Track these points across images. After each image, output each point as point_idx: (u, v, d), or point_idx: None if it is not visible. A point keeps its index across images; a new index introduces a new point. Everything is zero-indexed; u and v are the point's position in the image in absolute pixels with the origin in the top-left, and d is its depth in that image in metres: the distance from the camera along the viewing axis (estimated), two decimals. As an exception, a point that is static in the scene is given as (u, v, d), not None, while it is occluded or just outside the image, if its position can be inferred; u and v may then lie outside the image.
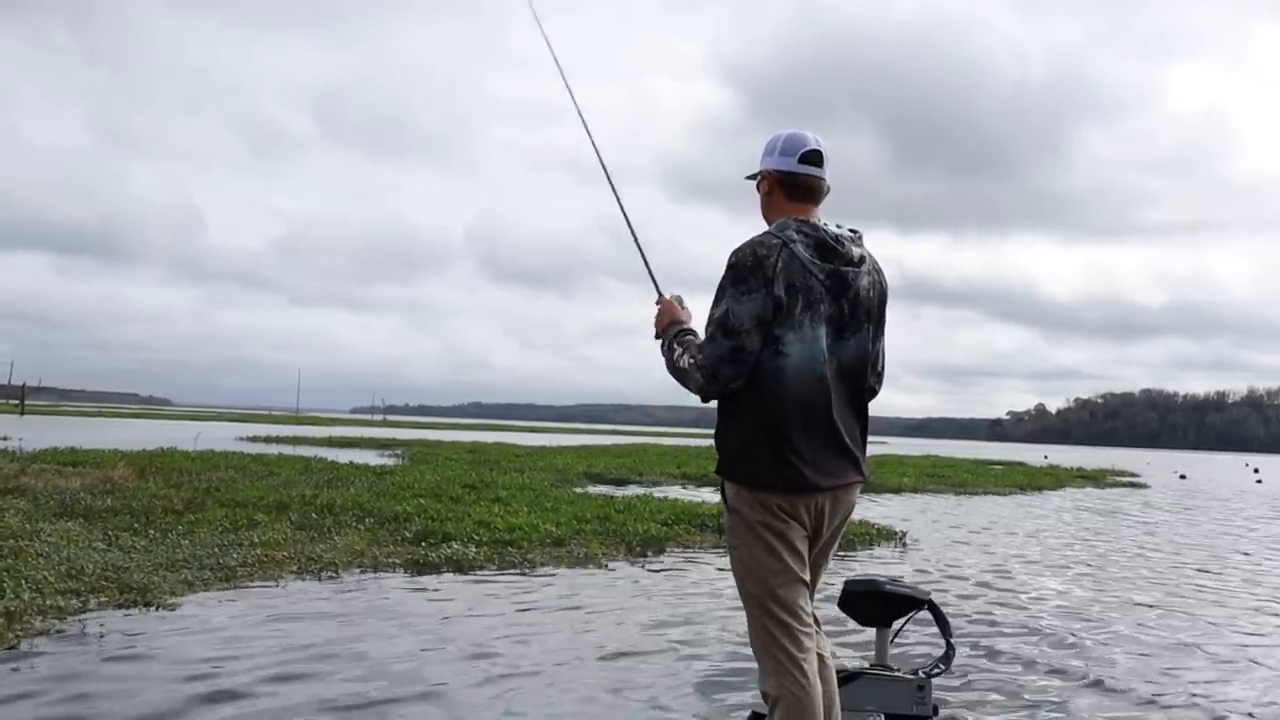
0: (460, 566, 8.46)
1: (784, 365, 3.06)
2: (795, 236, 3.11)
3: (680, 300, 3.41)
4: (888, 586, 4.29)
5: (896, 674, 4.08)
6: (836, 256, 3.14)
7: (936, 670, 4.22)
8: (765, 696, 3.15)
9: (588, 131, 3.89)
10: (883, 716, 3.93)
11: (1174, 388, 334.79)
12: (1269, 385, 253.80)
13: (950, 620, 4.62)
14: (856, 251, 3.20)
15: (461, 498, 12.90)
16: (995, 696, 5.19)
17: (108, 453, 20.13)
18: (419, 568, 8.37)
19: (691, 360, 3.11)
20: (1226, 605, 8.36)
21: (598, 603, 7.30)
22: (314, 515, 10.57)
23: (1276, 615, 7.94)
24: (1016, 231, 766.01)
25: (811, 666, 3.11)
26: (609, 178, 3.79)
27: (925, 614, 4.45)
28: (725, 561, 9.68)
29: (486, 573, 8.35)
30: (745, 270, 3.05)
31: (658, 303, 3.41)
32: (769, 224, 3.25)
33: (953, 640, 4.45)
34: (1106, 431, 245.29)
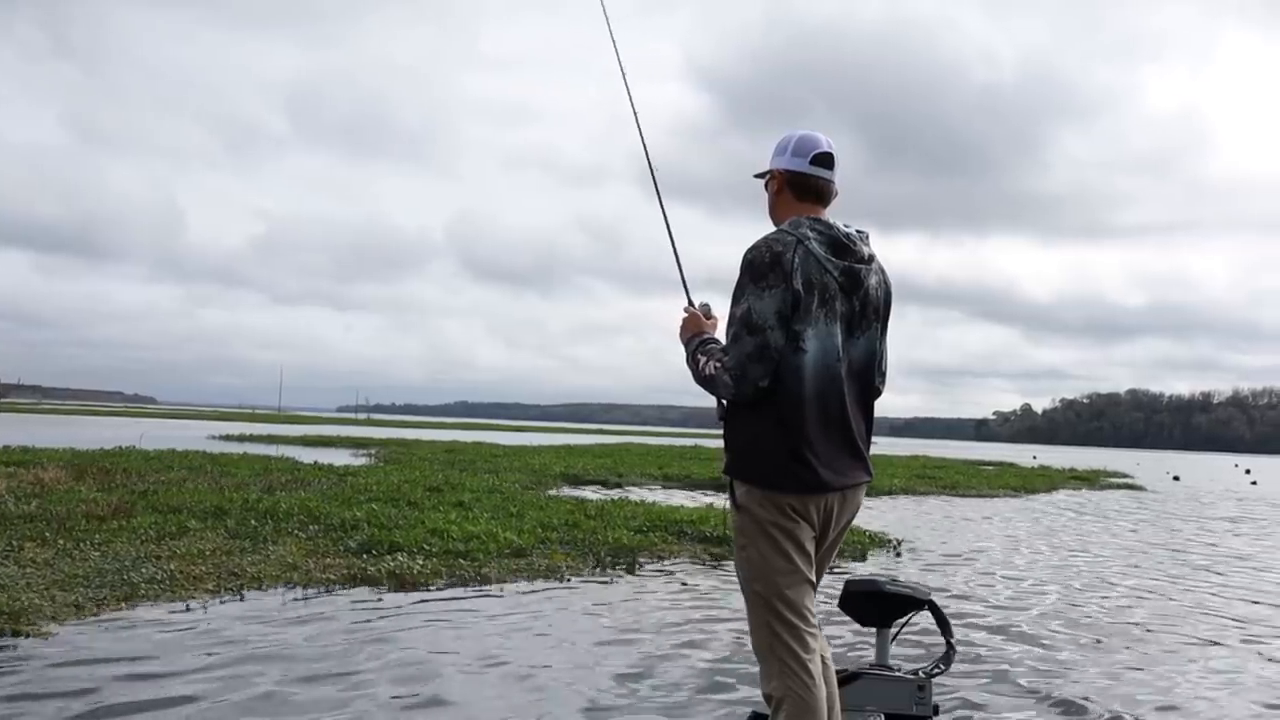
0: (403, 581, 7.53)
1: (804, 361, 3.04)
2: (809, 234, 3.10)
3: (707, 308, 3.37)
4: (888, 586, 4.22)
5: (897, 674, 4.03)
6: (849, 254, 3.14)
7: (937, 670, 4.16)
8: (768, 699, 3.09)
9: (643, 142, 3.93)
10: (883, 716, 3.89)
11: (1157, 388, 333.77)
12: (1253, 386, 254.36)
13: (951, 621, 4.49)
14: (866, 250, 3.20)
15: (420, 502, 11.95)
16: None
17: (61, 452, 19.22)
18: (356, 583, 7.43)
19: (718, 364, 3.07)
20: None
21: (555, 619, 6.41)
22: (253, 522, 9.64)
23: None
24: (994, 232, 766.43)
25: (817, 668, 3.08)
26: (656, 186, 3.81)
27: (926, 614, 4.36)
28: (702, 573, 8.89)
29: (432, 589, 7.43)
30: (764, 266, 3.03)
31: (685, 310, 3.38)
32: (776, 223, 3.24)
33: (953, 641, 4.36)
34: (1093, 431, 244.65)
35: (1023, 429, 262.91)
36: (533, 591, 7.60)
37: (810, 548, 3.11)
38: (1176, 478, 40.79)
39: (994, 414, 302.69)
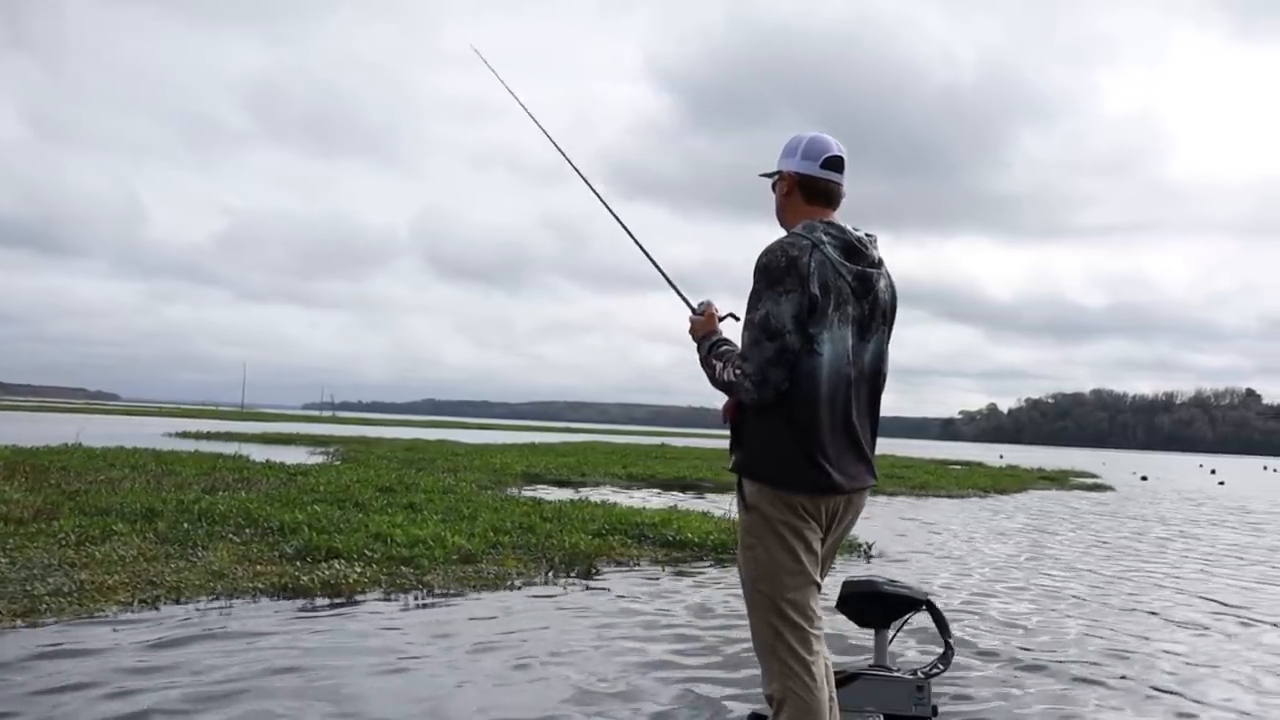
0: (338, 590, 6.98)
1: (818, 365, 3.06)
2: (823, 238, 3.10)
3: (709, 304, 3.36)
4: (886, 587, 4.21)
5: (895, 674, 4.00)
6: (862, 258, 3.16)
7: (935, 670, 4.13)
8: (769, 699, 3.10)
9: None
10: (882, 717, 3.87)
11: (1119, 388, 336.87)
12: (1215, 386, 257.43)
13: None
14: (876, 254, 3.23)
15: (368, 504, 11.37)
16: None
17: (0, 450, 18.44)
18: (286, 592, 6.87)
19: (738, 370, 3.07)
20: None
21: (497, 632, 5.88)
22: (186, 525, 9.06)
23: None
24: (958, 232, 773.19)
25: (819, 669, 3.07)
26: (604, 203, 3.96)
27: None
28: (663, 581, 8.40)
29: (367, 599, 6.89)
30: (779, 270, 3.03)
31: (691, 318, 3.39)
32: (784, 225, 3.25)
33: (952, 641, 4.33)
34: (1058, 431, 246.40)
35: (988, 428, 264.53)
36: (478, 601, 7.08)
37: (818, 548, 3.14)
38: (1144, 478, 40.81)
39: (960, 413, 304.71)
